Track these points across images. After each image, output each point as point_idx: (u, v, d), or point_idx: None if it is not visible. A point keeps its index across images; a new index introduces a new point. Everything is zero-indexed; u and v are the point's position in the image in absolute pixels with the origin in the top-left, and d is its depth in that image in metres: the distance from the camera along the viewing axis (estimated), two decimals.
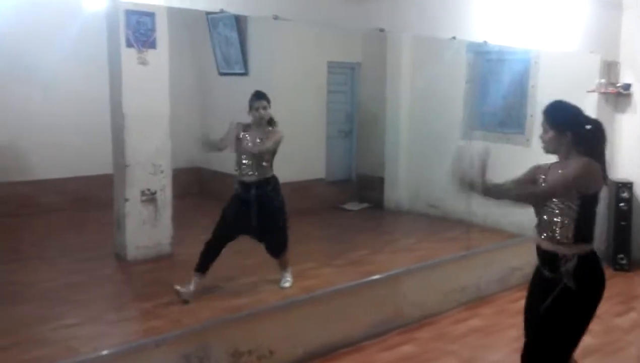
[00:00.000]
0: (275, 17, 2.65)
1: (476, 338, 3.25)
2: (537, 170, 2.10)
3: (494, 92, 5.02)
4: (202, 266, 3.20)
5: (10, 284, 3.43)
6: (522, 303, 2.18)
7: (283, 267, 3.46)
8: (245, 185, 3.24)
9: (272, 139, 3.25)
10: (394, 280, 3.32)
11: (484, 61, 5.03)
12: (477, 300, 3.74)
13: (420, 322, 3.34)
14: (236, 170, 3.28)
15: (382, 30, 3.18)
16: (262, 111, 3.24)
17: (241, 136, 3.25)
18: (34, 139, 5.05)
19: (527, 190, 2.01)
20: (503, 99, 4.94)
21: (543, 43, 4.11)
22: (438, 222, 5.12)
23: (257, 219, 3.21)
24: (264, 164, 3.25)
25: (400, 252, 4.21)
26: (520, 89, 4.79)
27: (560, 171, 1.96)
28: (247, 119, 3.34)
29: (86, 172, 5.17)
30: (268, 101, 3.26)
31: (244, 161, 3.24)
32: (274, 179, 3.32)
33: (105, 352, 2.34)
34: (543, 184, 2.00)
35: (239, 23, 5.39)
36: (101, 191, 4.63)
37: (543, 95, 4.50)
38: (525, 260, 2.68)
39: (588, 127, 1.97)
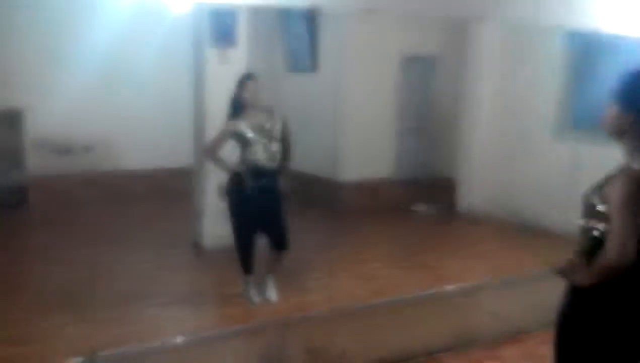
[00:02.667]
0: (370, 11, 2.60)
1: None
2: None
3: (595, 87, 4.47)
4: (247, 268, 3.19)
5: (114, 263, 3.83)
6: None
7: (273, 269, 3.21)
8: (263, 173, 3.02)
9: (282, 122, 3.07)
10: (477, 290, 3.19)
11: (584, 52, 4.57)
12: None
13: (504, 338, 3.14)
14: (247, 159, 3.05)
15: (481, 18, 3.03)
16: (257, 90, 3.03)
17: (243, 125, 3.02)
18: (125, 133, 5.54)
19: (597, 267, 1.49)
20: (605, 95, 4.51)
21: None
22: (516, 230, 4.82)
23: (269, 209, 3.05)
24: (278, 148, 3.07)
25: (477, 260, 4.03)
26: None
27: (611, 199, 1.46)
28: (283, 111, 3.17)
29: (170, 164, 5.58)
30: (258, 79, 3.07)
31: (258, 146, 3.01)
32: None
33: (194, 337, 2.54)
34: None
35: (311, 20, 5.44)
36: (183, 182, 4.98)
37: None
38: None
39: None
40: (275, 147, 3.11)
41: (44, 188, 5.25)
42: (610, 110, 1.59)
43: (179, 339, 2.53)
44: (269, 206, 3.11)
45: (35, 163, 5.27)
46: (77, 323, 2.87)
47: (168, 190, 5.63)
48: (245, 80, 3.09)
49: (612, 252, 1.46)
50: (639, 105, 1.52)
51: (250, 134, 3.06)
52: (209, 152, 3.19)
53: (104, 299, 3.19)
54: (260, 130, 3.07)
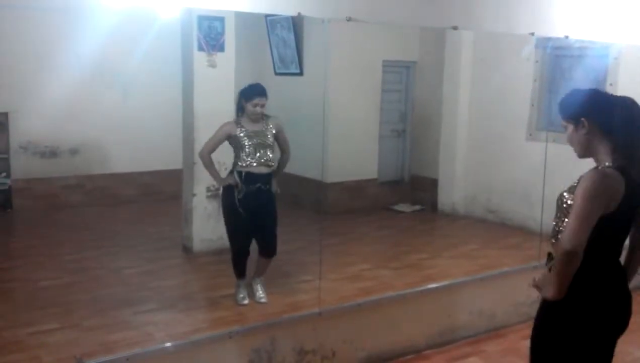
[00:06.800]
0: (349, 19, 2.65)
1: None
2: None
3: (566, 91, 4.78)
4: (239, 273, 3.22)
5: (101, 269, 3.81)
6: None
7: (262, 272, 3.25)
8: (257, 178, 3.04)
9: (281, 128, 3.13)
10: (461, 287, 3.26)
11: (555, 58, 4.78)
12: None
13: (487, 333, 3.23)
14: (241, 163, 3.05)
15: (455, 27, 3.11)
16: (260, 109, 3.04)
17: (240, 128, 3.05)
18: (114, 136, 5.49)
19: (556, 260, 1.53)
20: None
21: (630, 37, 3.77)
22: (497, 228, 4.99)
23: (261, 215, 3.07)
24: (272, 155, 3.11)
25: (462, 258, 4.13)
26: (596, 88, 4.54)
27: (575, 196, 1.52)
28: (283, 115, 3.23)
29: (158, 167, 5.55)
30: (267, 98, 3.08)
31: (253, 152, 3.04)
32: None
33: (183, 341, 2.54)
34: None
35: (296, 25, 5.49)
36: (171, 185, 4.96)
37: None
38: None
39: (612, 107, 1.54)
40: (270, 153, 3.13)
41: (29, 192, 5.18)
42: (567, 131, 1.66)
43: (169, 344, 2.53)
44: (261, 212, 3.13)
45: (20, 166, 5.19)
46: (62, 330, 2.84)
47: (156, 193, 5.60)
48: (252, 92, 3.05)
49: (564, 239, 1.46)
50: (585, 111, 1.60)
51: (245, 138, 3.07)
52: (202, 155, 3.19)
53: (90, 305, 3.16)
54: (255, 135, 3.09)
